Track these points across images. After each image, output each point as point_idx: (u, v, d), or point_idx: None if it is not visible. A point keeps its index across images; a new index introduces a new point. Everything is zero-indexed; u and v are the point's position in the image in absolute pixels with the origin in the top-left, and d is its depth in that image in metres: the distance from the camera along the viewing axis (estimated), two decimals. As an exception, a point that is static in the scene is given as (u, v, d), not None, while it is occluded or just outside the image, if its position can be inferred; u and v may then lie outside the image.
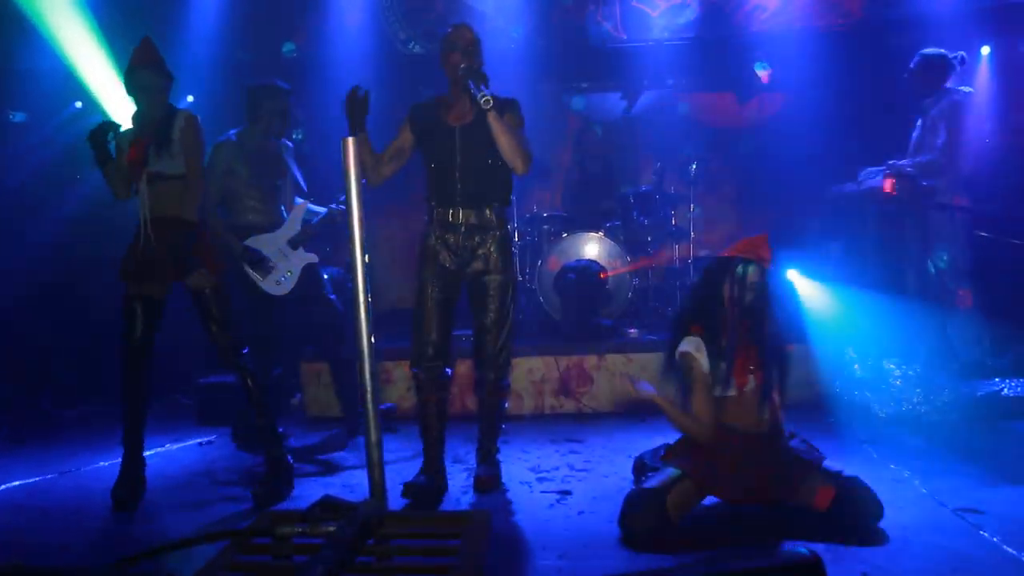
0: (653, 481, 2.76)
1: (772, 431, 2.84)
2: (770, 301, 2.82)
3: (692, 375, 2.84)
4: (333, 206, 4.17)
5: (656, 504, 2.66)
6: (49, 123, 5.61)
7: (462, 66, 3.07)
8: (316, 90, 6.29)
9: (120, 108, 4.95)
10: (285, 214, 4.15)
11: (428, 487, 3.22)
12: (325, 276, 4.35)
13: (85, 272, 5.05)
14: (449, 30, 3.23)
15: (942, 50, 4.58)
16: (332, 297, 4.29)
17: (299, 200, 4.24)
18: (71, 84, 5.09)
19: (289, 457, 3.50)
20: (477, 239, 3.23)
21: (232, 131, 4.12)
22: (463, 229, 3.22)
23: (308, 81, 6.31)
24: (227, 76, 6.04)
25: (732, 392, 2.82)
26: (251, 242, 4.00)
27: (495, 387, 3.32)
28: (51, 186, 5.45)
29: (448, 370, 3.31)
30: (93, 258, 4.88)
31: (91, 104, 5.18)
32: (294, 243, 4.08)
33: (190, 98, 6.16)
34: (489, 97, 2.91)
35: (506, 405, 3.51)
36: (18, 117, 5.65)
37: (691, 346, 2.84)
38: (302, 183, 4.29)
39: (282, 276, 4.04)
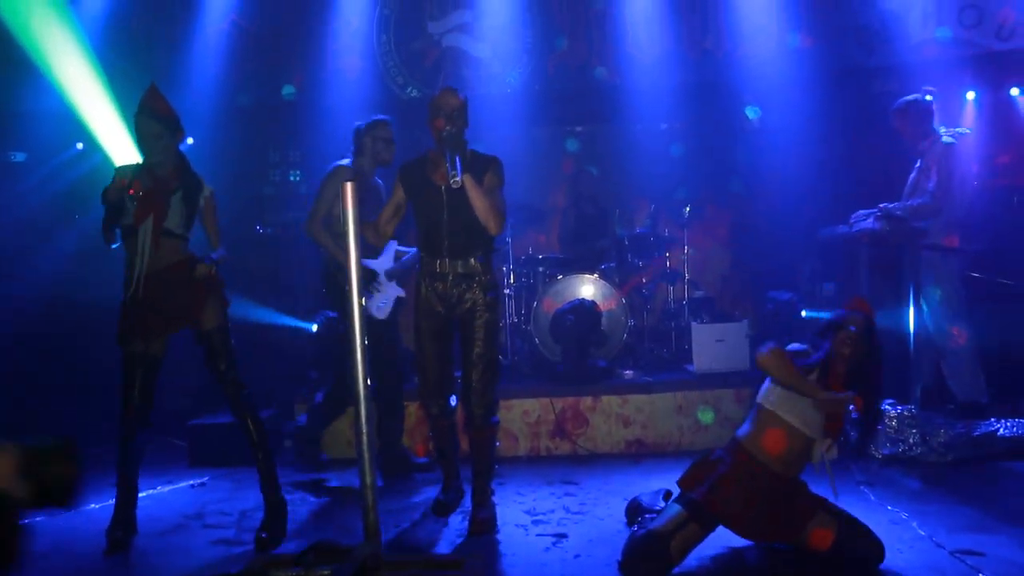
0: (656, 523, 2.73)
1: (796, 477, 2.87)
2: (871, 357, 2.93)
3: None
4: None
5: (660, 549, 2.64)
6: (49, 163, 5.66)
7: (444, 132, 3.27)
8: (315, 132, 6.39)
9: (121, 150, 5.00)
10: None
11: (451, 500, 3.63)
12: None
13: (82, 312, 5.04)
14: (436, 95, 3.45)
15: (910, 97, 4.69)
16: (399, 336, 4.40)
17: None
18: (72, 126, 5.15)
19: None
20: (464, 286, 3.44)
21: (348, 160, 4.32)
22: (451, 278, 3.44)
23: (307, 123, 6.40)
24: (227, 119, 6.13)
25: (795, 424, 2.82)
26: (365, 263, 4.10)
27: (484, 422, 3.45)
28: (50, 226, 5.48)
29: (452, 400, 3.61)
30: (90, 299, 4.88)
31: (92, 145, 5.24)
32: (390, 275, 4.20)
33: (190, 140, 6.24)
34: (459, 180, 3.15)
35: (497, 443, 3.63)
36: (19, 157, 5.70)
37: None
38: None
39: (383, 301, 4.17)
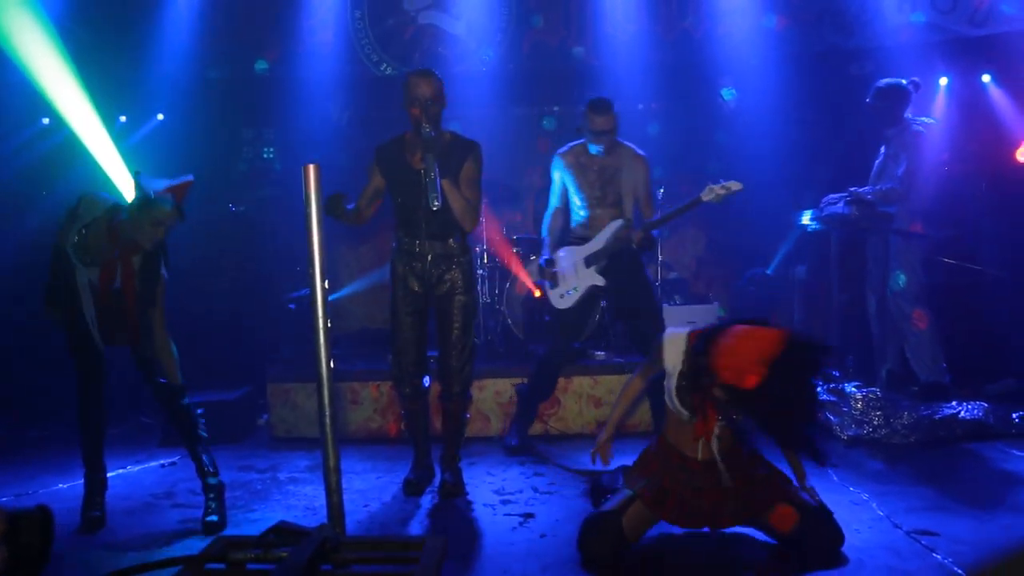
0: (610, 504, 2.78)
1: (726, 457, 2.74)
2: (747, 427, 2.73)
3: (653, 360, 2.84)
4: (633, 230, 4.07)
5: (612, 527, 2.68)
6: (14, 138, 5.55)
7: (422, 132, 3.26)
8: (288, 108, 6.32)
9: (86, 126, 4.91)
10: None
11: (422, 479, 3.68)
12: None
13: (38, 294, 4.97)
14: (410, 77, 3.38)
15: (895, 80, 4.70)
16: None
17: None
18: (37, 100, 5.04)
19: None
20: (443, 267, 3.51)
21: (569, 145, 4.28)
22: (429, 259, 3.51)
23: (280, 99, 6.33)
24: (198, 94, 6.04)
25: (685, 421, 2.75)
26: (561, 251, 4.21)
27: (459, 398, 3.59)
28: (14, 203, 5.38)
29: (426, 380, 3.64)
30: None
31: (58, 121, 5.13)
32: (589, 261, 4.12)
33: (160, 116, 6.15)
34: (438, 203, 3.20)
35: (467, 416, 3.74)
36: (-19, 130, 5.58)
37: (675, 344, 2.73)
38: (645, 193, 4.23)
39: (567, 291, 4.15)
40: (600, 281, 4.10)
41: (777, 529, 2.74)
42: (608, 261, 4.11)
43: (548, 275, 4.20)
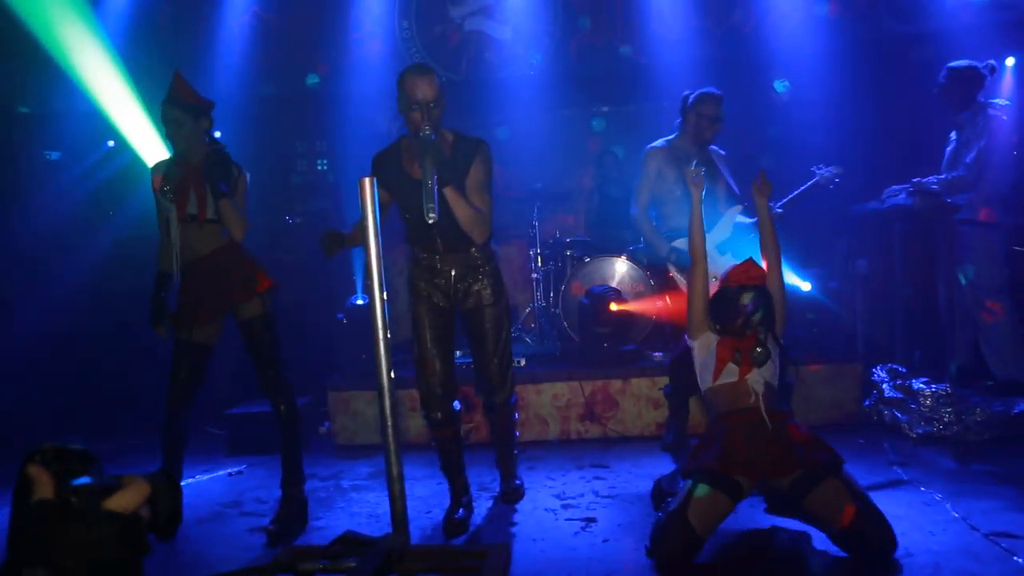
0: (673, 504, 2.76)
1: (770, 408, 2.87)
2: (771, 313, 2.94)
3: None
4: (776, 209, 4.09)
5: (680, 523, 2.65)
6: (83, 162, 5.78)
7: (422, 135, 2.91)
8: (340, 120, 6.43)
9: (149, 145, 5.08)
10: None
11: (466, 518, 3.33)
12: None
13: (121, 306, 5.16)
14: (408, 77, 2.99)
15: (970, 61, 4.53)
16: None
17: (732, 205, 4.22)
18: (102, 124, 5.24)
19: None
20: (468, 280, 3.27)
21: (664, 139, 4.23)
22: (453, 273, 3.26)
23: (332, 112, 6.45)
24: (252, 110, 6.19)
25: (734, 378, 2.91)
26: (679, 243, 4.06)
27: (505, 406, 3.41)
28: (86, 223, 5.60)
29: (456, 404, 3.36)
30: (126, 295, 5.00)
31: (122, 143, 5.33)
32: (723, 248, 4.07)
33: (217, 133, 6.31)
34: (434, 216, 2.81)
35: (516, 417, 3.60)
36: (54, 156, 5.83)
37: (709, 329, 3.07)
38: (735, 189, 4.24)
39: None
40: None
41: (838, 522, 2.65)
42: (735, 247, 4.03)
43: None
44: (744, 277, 2.97)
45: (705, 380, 3.02)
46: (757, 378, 2.90)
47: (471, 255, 3.24)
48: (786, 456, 2.74)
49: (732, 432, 2.83)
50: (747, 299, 2.90)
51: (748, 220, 4.11)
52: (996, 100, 4.54)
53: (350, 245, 3.26)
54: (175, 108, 3.31)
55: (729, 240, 4.08)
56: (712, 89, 4.11)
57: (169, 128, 3.32)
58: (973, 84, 4.48)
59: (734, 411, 2.90)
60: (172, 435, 3.40)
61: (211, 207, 3.29)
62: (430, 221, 2.82)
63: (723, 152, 4.27)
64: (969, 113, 4.50)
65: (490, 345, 3.30)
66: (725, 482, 2.73)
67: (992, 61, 4.54)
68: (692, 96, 4.12)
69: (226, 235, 3.36)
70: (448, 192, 2.97)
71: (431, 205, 2.80)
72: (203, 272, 3.35)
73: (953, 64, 4.54)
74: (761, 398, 2.87)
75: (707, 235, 3.86)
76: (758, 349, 2.89)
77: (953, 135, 4.65)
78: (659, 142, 4.18)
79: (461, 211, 3.03)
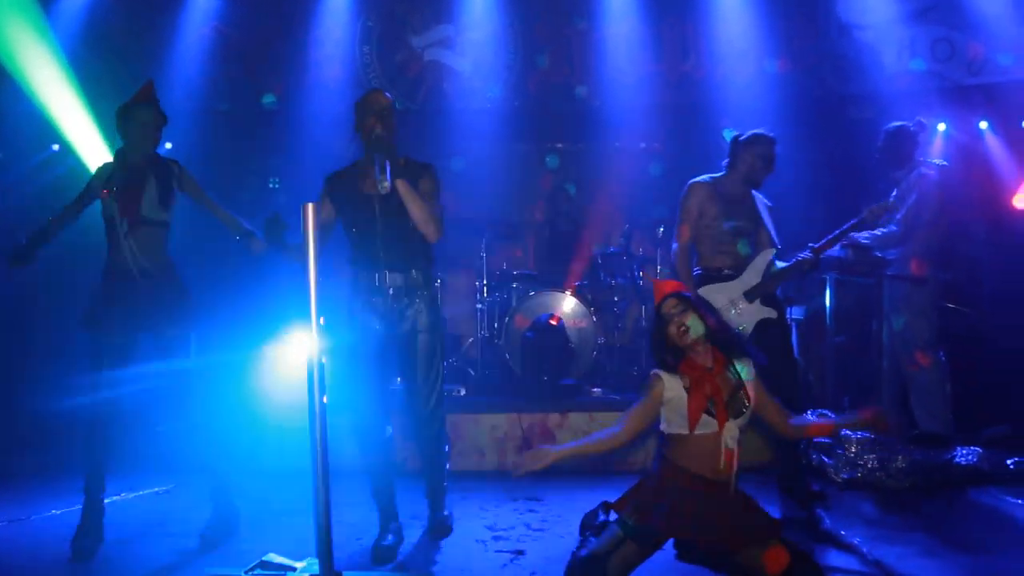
0: (594, 544, 2.63)
1: (730, 479, 2.67)
2: (708, 315, 2.73)
3: (650, 393, 2.72)
4: (802, 254, 3.89)
5: (597, 570, 2.62)
6: (24, 164, 5.64)
7: (374, 133, 3.07)
8: (295, 140, 6.41)
9: (95, 152, 5.00)
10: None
11: (395, 544, 3.32)
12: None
13: (49, 317, 5.02)
14: (363, 96, 3.26)
15: (902, 122, 4.77)
16: (796, 355, 4.02)
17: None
18: (47, 128, 5.13)
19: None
20: (405, 301, 3.24)
21: (709, 175, 3.98)
22: (391, 292, 3.22)
23: (287, 131, 6.42)
24: (205, 125, 6.14)
25: (685, 431, 2.68)
26: (704, 291, 3.74)
27: (434, 440, 3.38)
28: (25, 227, 5.44)
29: (390, 430, 3.36)
30: (62, 303, 4.87)
31: (66, 148, 5.22)
32: (751, 296, 3.80)
33: (168, 145, 6.24)
34: (388, 185, 2.94)
35: (448, 449, 3.56)
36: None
37: (665, 375, 2.73)
38: (774, 236, 3.97)
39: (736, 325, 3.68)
40: (773, 313, 3.78)
41: (768, 571, 2.68)
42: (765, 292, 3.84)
43: None
44: (661, 292, 2.78)
45: (675, 425, 2.70)
46: (733, 431, 2.66)
47: (411, 277, 3.23)
48: (736, 527, 2.62)
49: (686, 497, 2.64)
50: (671, 306, 2.71)
51: (782, 265, 3.94)
52: (933, 160, 4.78)
53: (283, 250, 3.22)
54: (151, 109, 3.34)
55: (757, 288, 3.82)
56: (766, 131, 3.99)
57: (146, 129, 3.34)
58: (905, 142, 4.72)
59: (697, 476, 2.67)
60: (93, 444, 3.36)
61: (151, 206, 3.33)
62: (383, 191, 2.90)
63: (769, 202, 4.06)
64: (904, 171, 4.72)
65: (421, 373, 3.24)
66: (656, 538, 2.64)
67: (920, 118, 4.79)
68: (744, 137, 3.96)
69: (166, 243, 3.42)
70: (401, 185, 3.02)
71: (382, 176, 2.90)
72: (137, 283, 3.33)
73: (889, 127, 4.79)
74: (735, 457, 2.65)
75: (735, 282, 3.81)
76: (733, 395, 2.65)
77: (894, 192, 4.86)
78: (703, 177, 3.98)
79: (414, 205, 3.08)
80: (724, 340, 2.72)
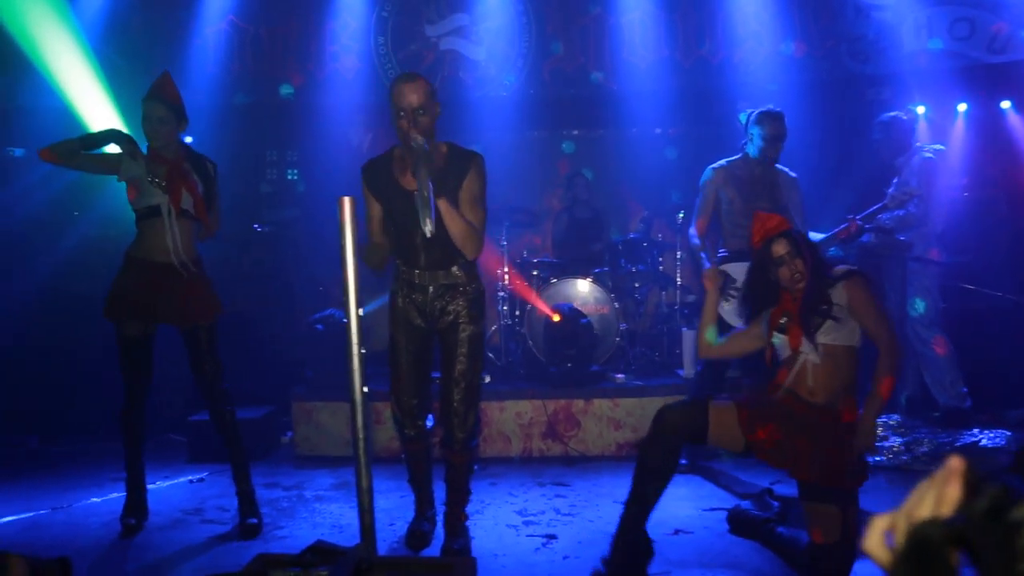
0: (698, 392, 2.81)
1: (826, 407, 2.73)
2: (809, 251, 2.80)
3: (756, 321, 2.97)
4: (855, 218, 4.06)
5: (699, 408, 2.70)
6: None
7: (413, 144, 2.79)
8: (313, 131, 6.45)
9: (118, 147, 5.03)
10: None
11: (427, 531, 3.36)
12: None
13: (77, 308, 5.09)
14: (395, 85, 2.92)
15: (894, 112, 4.83)
16: None
17: None
18: (71, 123, 5.19)
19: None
20: (447, 297, 3.13)
21: (725, 159, 4.13)
22: (431, 290, 3.13)
23: (305, 123, 6.47)
24: (224, 117, 6.18)
25: (789, 352, 2.79)
26: (728, 267, 3.91)
27: (463, 447, 3.16)
28: (50, 222, 5.52)
29: (430, 419, 3.34)
30: (88, 295, 4.94)
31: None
32: None
33: (189, 139, 6.29)
34: (431, 227, 2.64)
35: (475, 466, 3.38)
36: (17, 152, 5.74)
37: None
38: (792, 216, 4.06)
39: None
40: None
41: (812, 537, 2.71)
42: None
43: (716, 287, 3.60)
44: (763, 231, 2.84)
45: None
46: (807, 348, 2.72)
47: (452, 273, 3.11)
48: (803, 462, 2.63)
49: (774, 411, 2.71)
50: (779, 247, 2.77)
51: (818, 236, 4.04)
52: (932, 145, 4.80)
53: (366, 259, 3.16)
54: (163, 106, 3.37)
55: None
56: (772, 107, 4.06)
57: (152, 124, 3.37)
58: (898, 131, 4.77)
59: (779, 387, 2.77)
60: (130, 426, 3.52)
61: (187, 201, 3.39)
62: (428, 234, 2.65)
63: (793, 175, 4.18)
64: (904, 157, 4.75)
65: (459, 366, 3.11)
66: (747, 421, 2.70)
67: (910, 106, 4.83)
68: (752, 115, 4.06)
69: (196, 238, 3.49)
70: (442, 205, 2.82)
71: (428, 217, 2.63)
72: (171, 277, 3.39)
73: (881, 118, 4.84)
74: (810, 374, 2.71)
75: (739, 264, 3.85)
76: (822, 307, 2.71)
77: (895, 179, 4.87)
78: (719, 162, 4.10)
79: (455, 226, 2.88)
80: (820, 276, 2.78)
